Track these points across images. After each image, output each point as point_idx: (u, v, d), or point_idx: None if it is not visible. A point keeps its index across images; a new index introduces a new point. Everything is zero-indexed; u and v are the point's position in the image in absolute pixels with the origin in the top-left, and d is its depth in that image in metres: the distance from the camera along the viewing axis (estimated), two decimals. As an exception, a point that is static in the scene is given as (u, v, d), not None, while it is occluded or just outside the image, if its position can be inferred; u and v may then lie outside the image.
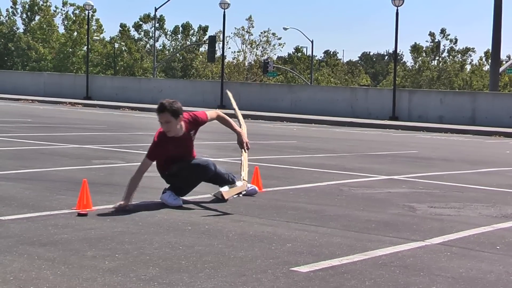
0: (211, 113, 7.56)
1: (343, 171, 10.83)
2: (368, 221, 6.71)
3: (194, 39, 78.54)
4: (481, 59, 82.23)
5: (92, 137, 15.98)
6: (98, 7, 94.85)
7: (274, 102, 34.80)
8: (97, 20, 75.41)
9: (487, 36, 72.94)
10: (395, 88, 32.58)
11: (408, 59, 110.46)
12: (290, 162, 11.97)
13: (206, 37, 71.08)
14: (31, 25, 74.73)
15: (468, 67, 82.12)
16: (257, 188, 8.07)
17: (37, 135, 15.65)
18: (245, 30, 70.82)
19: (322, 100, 33.55)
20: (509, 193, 9.15)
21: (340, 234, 6.08)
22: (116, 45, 76.27)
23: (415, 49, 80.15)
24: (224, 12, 37.39)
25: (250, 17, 77.02)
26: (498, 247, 5.82)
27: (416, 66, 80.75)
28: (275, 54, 75.71)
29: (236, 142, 7.77)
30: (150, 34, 76.06)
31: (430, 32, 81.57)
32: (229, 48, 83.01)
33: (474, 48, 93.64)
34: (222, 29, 39.53)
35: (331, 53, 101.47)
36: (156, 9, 61.02)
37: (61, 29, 75.37)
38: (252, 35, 71.40)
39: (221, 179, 7.50)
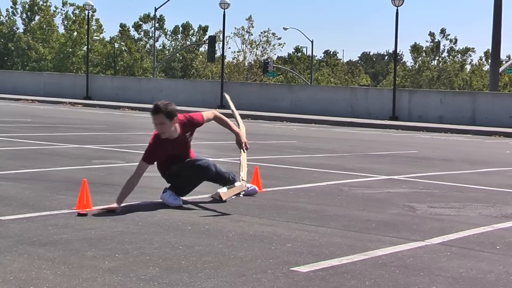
0: (207, 114, 7.49)
1: (343, 171, 10.83)
2: (368, 221, 6.71)
3: (194, 39, 78.55)
4: (481, 59, 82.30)
5: (92, 137, 15.98)
6: (98, 7, 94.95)
7: (274, 102, 34.81)
8: (97, 20, 75.51)
9: (487, 36, 72.98)
10: (395, 88, 32.59)
11: (408, 59, 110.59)
12: (290, 162, 11.97)
13: (206, 37, 71.09)
14: (31, 25, 74.77)
15: (468, 67, 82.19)
16: (257, 188, 8.07)
17: (37, 135, 15.65)
18: (245, 30, 70.95)
19: (322, 100, 33.55)
20: (509, 193, 9.15)
21: (340, 234, 6.08)
22: (116, 45, 76.30)
23: (415, 49, 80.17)
24: (224, 12, 37.41)
25: (250, 17, 77.26)
26: (498, 247, 5.82)
27: (416, 66, 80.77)
28: (275, 54, 75.85)
29: (235, 142, 7.76)
30: (150, 34, 76.08)
31: (430, 32, 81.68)
32: (229, 48, 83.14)
33: (474, 48, 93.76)
34: (222, 29, 39.60)
35: (331, 53, 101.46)
36: (156, 9, 61.08)
37: (61, 29, 75.50)
38: (252, 35, 71.56)
39: (222, 178, 7.49)
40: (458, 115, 30.00)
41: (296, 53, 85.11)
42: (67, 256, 5.00)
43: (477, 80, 77.12)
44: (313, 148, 15.50)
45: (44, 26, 73.79)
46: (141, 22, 77.46)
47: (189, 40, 78.39)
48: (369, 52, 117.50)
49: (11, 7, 75.54)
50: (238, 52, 72.92)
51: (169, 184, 7.31)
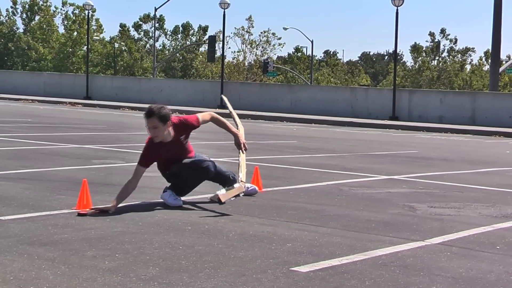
0: (204, 115, 7.40)
1: (343, 171, 10.83)
2: (368, 221, 6.71)
3: (194, 39, 78.55)
4: (481, 59, 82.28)
5: (92, 137, 15.98)
6: (98, 7, 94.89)
7: (274, 102, 34.81)
8: (97, 20, 75.49)
9: (487, 36, 72.98)
10: (395, 88, 32.60)
11: (408, 59, 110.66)
12: (290, 162, 11.97)
13: (206, 37, 71.10)
14: (31, 25, 74.78)
15: (468, 67, 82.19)
16: (257, 188, 8.06)
17: (37, 135, 15.65)
18: (245, 30, 70.93)
19: (322, 100, 33.56)
20: (509, 193, 9.15)
21: (340, 234, 6.08)
22: (116, 45, 76.29)
23: (415, 49, 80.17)
24: (224, 12, 37.41)
25: (250, 17, 77.15)
26: (498, 247, 5.82)
27: (416, 66, 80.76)
28: (275, 54, 75.84)
29: (234, 143, 7.72)
30: (150, 34, 76.08)
31: (430, 32, 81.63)
32: (229, 48, 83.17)
33: (474, 48, 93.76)
34: (222, 29, 39.61)
35: (331, 53, 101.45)
36: (156, 9, 61.08)
37: (61, 29, 75.50)
38: (252, 35, 71.54)
39: (222, 178, 7.46)
40: (458, 115, 30.01)
41: (296, 53, 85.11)
42: (67, 256, 5.00)
43: (477, 80, 77.12)
44: (313, 148, 15.50)
45: (44, 26, 73.80)
46: (141, 22, 77.48)
47: (189, 40, 78.40)
48: (369, 52, 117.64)
49: (11, 7, 75.63)
50: (238, 52, 73.00)
51: (170, 184, 7.30)
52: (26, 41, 72.76)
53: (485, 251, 5.67)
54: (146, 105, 7.77)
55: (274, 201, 7.69)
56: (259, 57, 71.30)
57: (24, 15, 75.66)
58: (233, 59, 73.33)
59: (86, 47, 53.85)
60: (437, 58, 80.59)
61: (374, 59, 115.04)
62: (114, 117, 25.59)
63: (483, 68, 79.93)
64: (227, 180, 7.43)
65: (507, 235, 6.34)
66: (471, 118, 29.78)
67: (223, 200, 6.95)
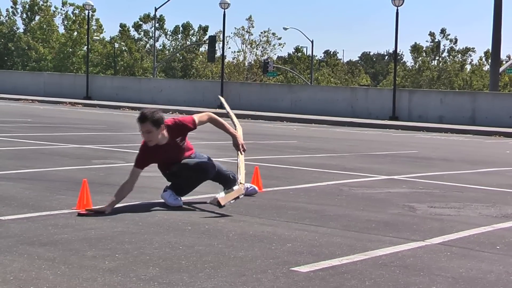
0: (201, 116, 7.33)
1: (343, 171, 10.83)
2: (368, 221, 6.71)
3: (194, 39, 78.56)
4: (481, 59, 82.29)
5: (92, 137, 15.98)
6: (98, 7, 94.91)
7: (274, 102, 34.81)
8: (97, 20, 75.50)
9: (487, 36, 72.97)
10: (395, 88, 32.59)
11: (408, 59, 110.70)
12: (290, 162, 11.97)
13: (206, 37, 71.13)
14: (31, 25, 74.78)
15: (468, 67, 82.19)
16: (257, 188, 8.05)
17: (37, 135, 15.65)
18: (245, 30, 70.95)
19: (322, 100, 33.56)
20: (509, 193, 9.15)
21: (340, 234, 6.08)
22: (116, 45, 76.29)
23: (415, 49, 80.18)
24: (224, 12, 37.41)
25: (250, 17, 77.19)
26: (498, 247, 5.82)
27: (416, 66, 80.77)
28: (275, 54, 75.85)
29: (232, 144, 7.66)
30: (150, 34, 76.09)
31: (430, 32, 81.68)
32: (229, 48, 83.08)
33: (474, 48, 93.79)
34: (222, 29, 39.61)
35: (331, 53, 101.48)
36: (156, 9, 61.10)
37: (61, 29, 75.49)
38: (252, 35, 71.57)
39: (222, 178, 7.44)
40: (458, 115, 30.01)
41: (296, 53, 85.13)
42: (67, 256, 5.00)
43: (477, 80, 77.12)
44: (313, 148, 15.50)
45: (44, 26, 73.79)
46: (141, 22, 77.49)
47: (189, 40, 78.41)
48: (369, 52, 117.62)
49: (11, 7, 75.64)
50: (238, 52, 73.02)
51: (170, 183, 7.30)
52: (26, 41, 72.77)
53: (485, 251, 5.67)
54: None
55: (274, 201, 7.69)
56: (259, 57, 71.34)
57: (24, 15, 75.66)
58: (233, 59, 73.45)
59: (86, 47, 53.87)
60: (437, 58, 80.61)
61: (374, 59, 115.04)
62: (114, 117, 25.58)
63: (483, 68, 79.93)
64: (227, 180, 7.39)
65: (507, 235, 6.34)
66: (471, 118, 29.78)
67: (222, 203, 6.85)
